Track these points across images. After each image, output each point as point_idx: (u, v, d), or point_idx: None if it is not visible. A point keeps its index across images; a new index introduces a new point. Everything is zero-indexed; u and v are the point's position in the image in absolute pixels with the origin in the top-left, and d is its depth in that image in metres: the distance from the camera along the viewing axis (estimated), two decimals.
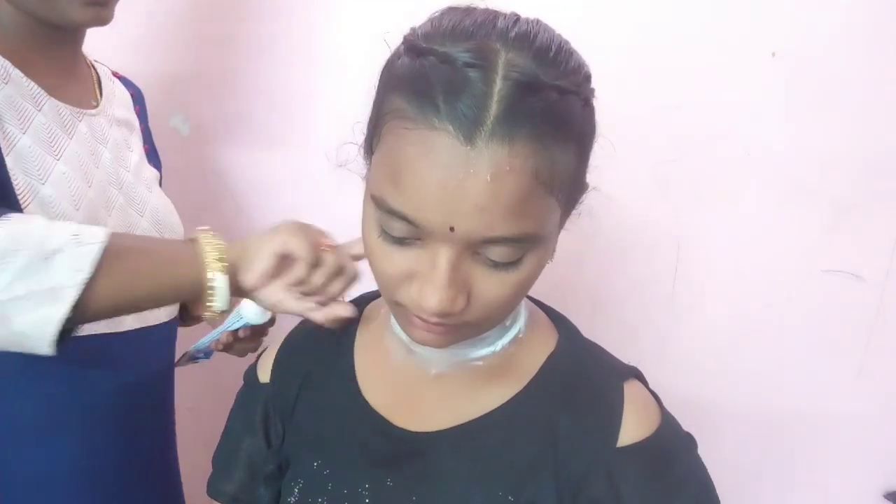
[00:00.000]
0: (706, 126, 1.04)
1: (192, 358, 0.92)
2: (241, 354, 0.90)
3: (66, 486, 0.76)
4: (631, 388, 0.58)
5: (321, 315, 0.62)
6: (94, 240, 0.57)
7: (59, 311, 0.54)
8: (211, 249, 0.62)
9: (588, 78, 0.49)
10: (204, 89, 1.18)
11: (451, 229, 0.44)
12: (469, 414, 0.58)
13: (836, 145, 1.02)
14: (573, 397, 0.57)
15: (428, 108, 0.43)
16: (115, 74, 0.91)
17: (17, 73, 0.70)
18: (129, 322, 0.79)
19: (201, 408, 1.20)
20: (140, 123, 0.93)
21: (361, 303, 0.69)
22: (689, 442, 0.58)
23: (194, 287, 0.61)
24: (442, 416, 0.59)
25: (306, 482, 0.62)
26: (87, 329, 0.73)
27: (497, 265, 0.47)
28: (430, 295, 0.46)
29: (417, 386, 0.61)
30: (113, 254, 0.57)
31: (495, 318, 0.53)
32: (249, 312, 0.79)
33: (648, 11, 1.01)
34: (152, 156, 0.95)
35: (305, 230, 0.64)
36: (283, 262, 0.62)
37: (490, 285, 0.48)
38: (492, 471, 0.56)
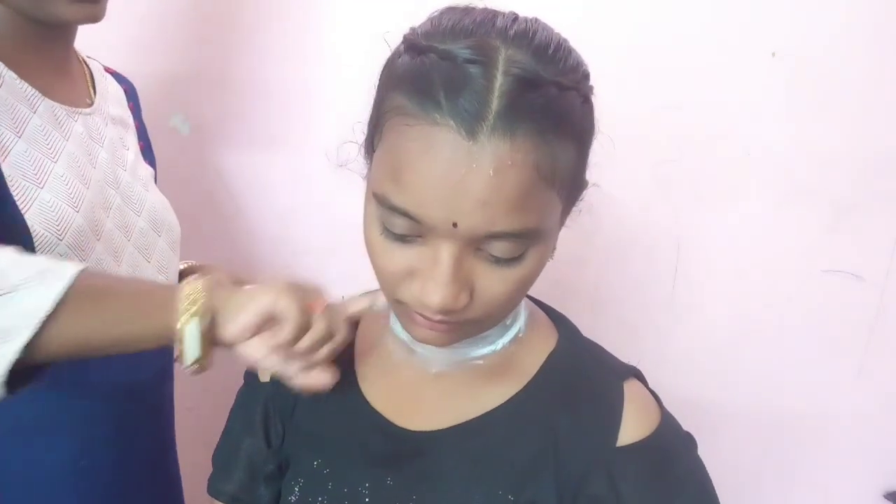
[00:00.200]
0: (706, 126, 1.04)
1: None
2: None
3: (66, 487, 0.76)
4: (631, 388, 0.58)
5: (298, 383, 0.59)
6: (59, 278, 0.54)
7: (9, 351, 0.52)
8: (186, 296, 0.57)
9: (586, 75, 0.49)
10: (204, 89, 1.18)
11: (454, 225, 0.44)
12: (469, 413, 0.58)
13: (836, 145, 1.02)
14: (573, 397, 0.57)
15: (429, 105, 0.44)
16: (106, 70, 0.90)
17: (10, 75, 0.69)
18: None
19: (201, 408, 1.19)
20: (134, 120, 0.92)
21: None
22: (688, 441, 0.58)
23: (165, 335, 0.57)
24: (442, 416, 0.59)
25: (306, 482, 0.62)
26: None
27: (499, 261, 0.47)
28: (433, 292, 0.46)
29: (418, 385, 0.61)
30: (80, 294, 0.55)
31: (497, 316, 0.53)
32: None
33: (648, 11, 1.01)
34: (147, 153, 0.94)
35: (298, 291, 0.58)
36: (270, 320, 0.57)
37: (492, 281, 0.48)
38: (492, 470, 0.56)
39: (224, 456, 0.68)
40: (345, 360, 0.65)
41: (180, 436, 0.96)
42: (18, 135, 0.68)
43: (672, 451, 0.56)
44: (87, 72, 0.84)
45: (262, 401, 0.67)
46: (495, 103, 0.43)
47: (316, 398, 0.64)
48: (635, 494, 0.53)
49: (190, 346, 0.57)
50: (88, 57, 0.87)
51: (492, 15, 0.47)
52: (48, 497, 0.75)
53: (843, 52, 0.98)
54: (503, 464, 0.56)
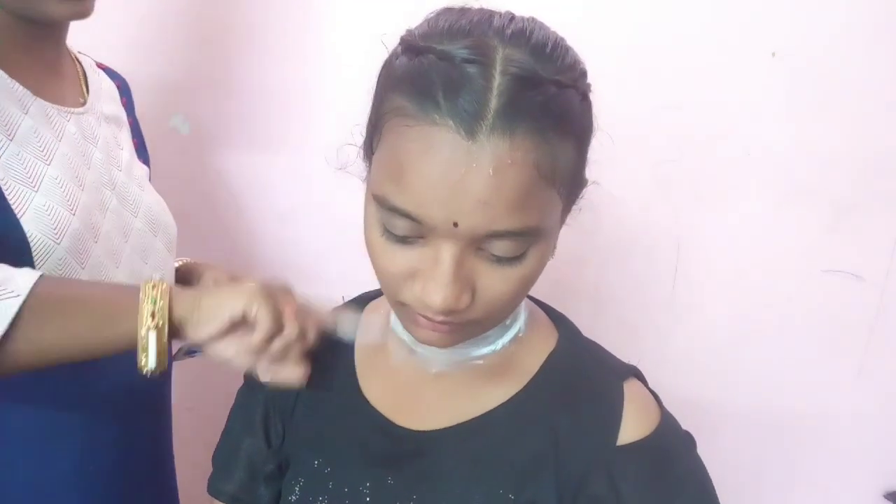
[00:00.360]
0: (706, 126, 1.04)
1: (188, 352, 0.91)
2: None
3: (67, 489, 0.76)
4: (630, 388, 0.58)
5: (268, 377, 0.59)
6: (15, 293, 0.54)
7: None
8: (149, 302, 0.57)
9: (584, 74, 0.49)
10: (204, 90, 1.18)
11: (455, 225, 0.44)
12: (469, 413, 0.58)
13: (836, 145, 1.02)
14: (573, 396, 0.58)
15: (428, 105, 0.44)
16: (98, 65, 0.88)
17: (1, 75, 0.68)
18: None
19: (201, 408, 1.19)
20: (128, 116, 0.90)
21: (361, 302, 0.69)
22: (688, 441, 0.58)
23: (131, 342, 0.57)
24: (442, 415, 0.59)
25: (307, 481, 0.62)
26: None
27: (500, 260, 0.47)
28: (435, 292, 0.46)
29: (418, 385, 0.61)
30: (40, 306, 0.54)
31: (499, 315, 0.53)
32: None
33: (648, 11, 1.01)
34: (141, 150, 0.92)
35: (272, 295, 0.59)
36: (242, 322, 0.58)
37: (494, 281, 0.48)
38: (492, 470, 0.56)
39: (224, 456, 0.68)
40: (345, 360, 0.65)
41: (180, 436, 0.96)
42: (10, 137, 0.67)
43: (672, 450, 0.56)
44: (79, 70, 0.83)
45: (262, 401, 0.67)
46: (494, 102, 0.43)
47: (316, 398, 0.65)
48: (635, 494, 0.53)
49: (150, 355, 0.57)
50: (80, 53, 0.85)
51: (488, 15, 0.48)
52: (50, 500, 0.75)
53: (843, 52, 0.98)
54: (503, 463, 0.56)
